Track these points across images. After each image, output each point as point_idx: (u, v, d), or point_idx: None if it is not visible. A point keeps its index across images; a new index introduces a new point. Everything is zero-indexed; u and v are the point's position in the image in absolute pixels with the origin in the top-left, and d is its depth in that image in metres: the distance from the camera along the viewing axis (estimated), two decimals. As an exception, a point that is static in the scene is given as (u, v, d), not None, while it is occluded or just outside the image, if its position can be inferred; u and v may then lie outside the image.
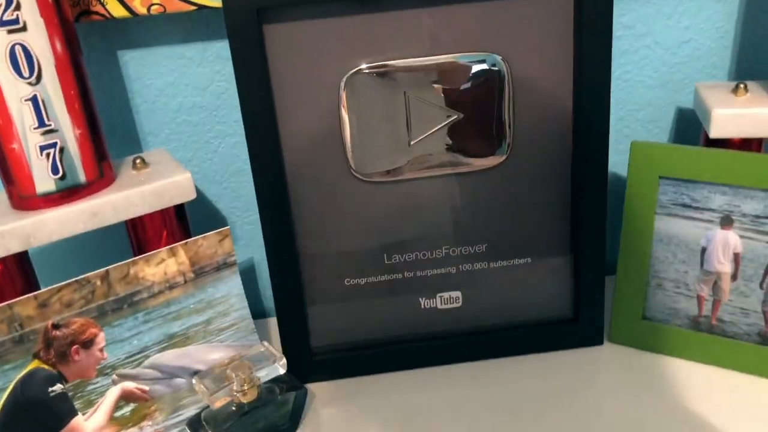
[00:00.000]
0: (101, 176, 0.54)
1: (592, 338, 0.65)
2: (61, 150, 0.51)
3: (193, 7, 0.57)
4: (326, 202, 0.61)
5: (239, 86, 0.55)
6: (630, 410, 0.57)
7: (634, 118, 0.69)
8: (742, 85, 0.59)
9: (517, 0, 0.56)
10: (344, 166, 0.59)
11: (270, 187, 0.58)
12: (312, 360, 0.64)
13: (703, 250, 0.61)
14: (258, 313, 0.73)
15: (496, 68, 0.57)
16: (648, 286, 0.63)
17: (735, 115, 0.57)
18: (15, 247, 0.51)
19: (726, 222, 0.59)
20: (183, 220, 0.59)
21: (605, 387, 0.61)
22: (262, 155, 0.57)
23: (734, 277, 0.60)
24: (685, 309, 0.63)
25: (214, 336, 0.61)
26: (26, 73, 0.48)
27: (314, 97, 0.57)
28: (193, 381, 0.55)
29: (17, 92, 0.48)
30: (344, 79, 0.57)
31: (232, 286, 0.61)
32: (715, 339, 0.62)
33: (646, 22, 0.65)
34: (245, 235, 0.72)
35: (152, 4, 0.56)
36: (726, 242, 0.60)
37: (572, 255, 0.64)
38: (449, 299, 0.65)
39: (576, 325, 0.65)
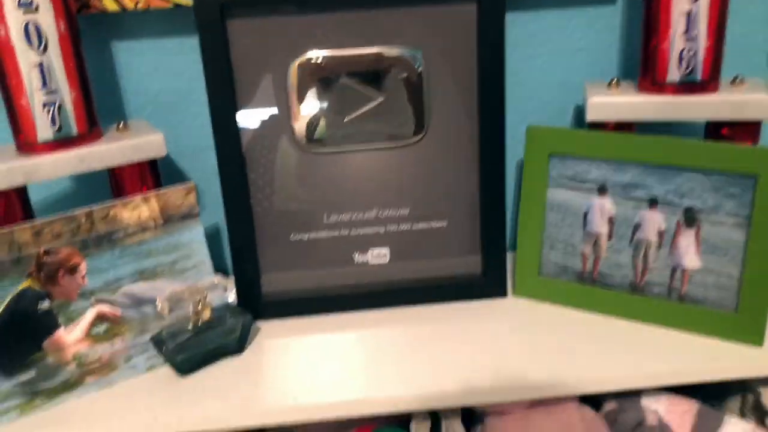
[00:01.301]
0: (90, 132, 0.67)
1: (498, 291, 0.77)
2: (59, 107, 0.64)
3: (170, 5, 0.71)
4: (276, 169, 0.73)
5: (206, 71, 0.68)
6: (526, 349, 0.68)
7: (539, 113, 0.83)
8: (614, 80, 0.73)
9: (433, 6, 0.70)
10: (291, 139, 0.73)
11: (229, 154, 0.71)
12: (262, 301, 0.76)
13: (585, 215, 0.73)
14: (220, 270, 0.85)
15: (416, 61, 0.71)
16: (542, 248, 0.76)
17: (606, 102, 0.71)
18: (18, 181, 0.64)
19: (602, 190, 0.72)
20: (155, 175, 0.72)
21: (506, 331, 0.71)
22: (223, 127, 0.70)
23: (610, 236, 0.73)
24: (572, 266, 0.75)
25: (178, 274, 0.73)
26: (36, 45, 0.62)
27: (268, 81, 0.71)
28: (157, 300, 0.67)
29: (28, 60, 0.62)
30: (293, 66, 0.71)
31: (195, 234, 0.74)
32: (596, 290, 0.74)
33: (545, 32, 0.79)
34: (211, 203, 0.84)
35: (138, 1, 0.70)
36: (602, 207, 0.72)
37: (481, 221, 0.77)
38: (378, 255, 0.77)
39: (484, 280, 0.77)
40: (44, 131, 0.65)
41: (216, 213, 0.85)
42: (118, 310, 0.70)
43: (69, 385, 0.67)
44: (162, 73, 0.78)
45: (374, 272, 0.78)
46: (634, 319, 0.72)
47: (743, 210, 0.66)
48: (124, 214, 0.69)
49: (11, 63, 0.61)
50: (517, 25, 0.78)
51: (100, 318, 0.69)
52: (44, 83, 0.63)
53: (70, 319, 0.68)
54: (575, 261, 0.75)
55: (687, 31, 0.66)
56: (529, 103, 0.82)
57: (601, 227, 0.73)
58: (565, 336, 0.70)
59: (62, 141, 0.66)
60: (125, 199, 0.69)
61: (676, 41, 0.67)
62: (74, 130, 0.66)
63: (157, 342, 0.68)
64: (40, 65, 0.62)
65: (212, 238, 0.85)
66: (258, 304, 0.76)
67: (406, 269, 0.78)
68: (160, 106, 0.79)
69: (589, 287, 0.74)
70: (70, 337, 0.68)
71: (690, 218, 0.68)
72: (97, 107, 0.75)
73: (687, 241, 0.69)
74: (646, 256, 0.71)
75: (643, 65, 0.71)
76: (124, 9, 0.71)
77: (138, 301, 0.71)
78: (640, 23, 0.73)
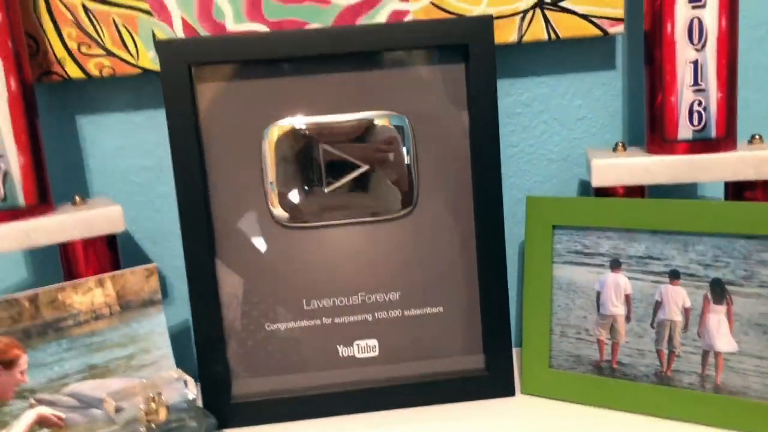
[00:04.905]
0: (40, 203, 0.60)
1: (504, 389, 0.67)
2: (5, 174, 0.58)
3: (139, 71, 0.66)
4: (248, 246, 0.66)
5: (172, 140, 0.62)
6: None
7: (540, 189, 0.76)
8: (620, 144, 0.67)
9: (420, 67, 0.65)
10: (266, 212, 0.66)
11: (196, 232, 0.64)
12: (231, 405, 0.66)
13: (598, 295, 0.65)
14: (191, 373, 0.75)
15: (402, 127, 0.65)
16: (552, 335, 0.67)
17: (611, 164, 0.64)
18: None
19: (615, 265, 0.64)
20: (113, 255, 0.64)
21: None
22: (190, 201, 0.63)
23: (628, 318, 0.64)
24: (588, 355, 0.65)
25: (135, 371, 0.63)
26: (-18, 103, 0.57)
27: (241, 149, 0.65)
28: (104, 396, 0.57)
29: (-30, 117, 0.56)
30: (268, 133, 0.65)
31: (156, 324, 0.65)
32: (616, 383, 0.64)
33: (542, 100, 0.74)
34: (182, 296, 0.76)
35: (103, 67, 0.66)
36: (617, 285, 0.64)
37: (481, 307, 0.68)
38: (366, 347, 0.68)
39: (488, 377, 0.67)
40: (-16, 200, 0.58)
41: (186, 308, 0.76)
42: (61, 413, 0.60)
43: (-7, 504, 0.56)
44: (129, 150, 0.72)
45: (361, 368, 0.68)
46: (663, 416, 0.62)
47: (780, 279, 0.57)
48: (74, 299, 0.61)
49: (-48, 120, 0.56)
50: (512, 94, 0.73)
51: (40, 422, 0.59)
52: (-12, 146, 0.57)
53: (3, 424, 0.58)
54: (590, 349, 0.65)
55: (695, 82, 0.61)
56: (528, 177, 0.75)
57: (618, 308, 0.64)
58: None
59: (7, 213, 0.59)
60: (76, 281, 0.61)
61: (684, 93, 0.61)
62: (21, 201, 0.59)
63: (102, 449, 0.58)
64: (-15, 126, 0.57)
65: (180, 337, 0.76)
66: (226, 408, 0.65)
67: (398, 364, 0.68)
68: (127, 185, 0.72)
69: (609, 379, 0.64)
70: (1, 444, 0.58)
71: (718, 292, 0.60)
72: (59, 187, 0.69)
73: (717, 320, 0.60)
74: (671, 339, 0.62)
75: (650, 125, 0.65)
76: (89, 76, 0.66)
77: (86, 403, 0.61)
78: (643, 88, 0.68)
